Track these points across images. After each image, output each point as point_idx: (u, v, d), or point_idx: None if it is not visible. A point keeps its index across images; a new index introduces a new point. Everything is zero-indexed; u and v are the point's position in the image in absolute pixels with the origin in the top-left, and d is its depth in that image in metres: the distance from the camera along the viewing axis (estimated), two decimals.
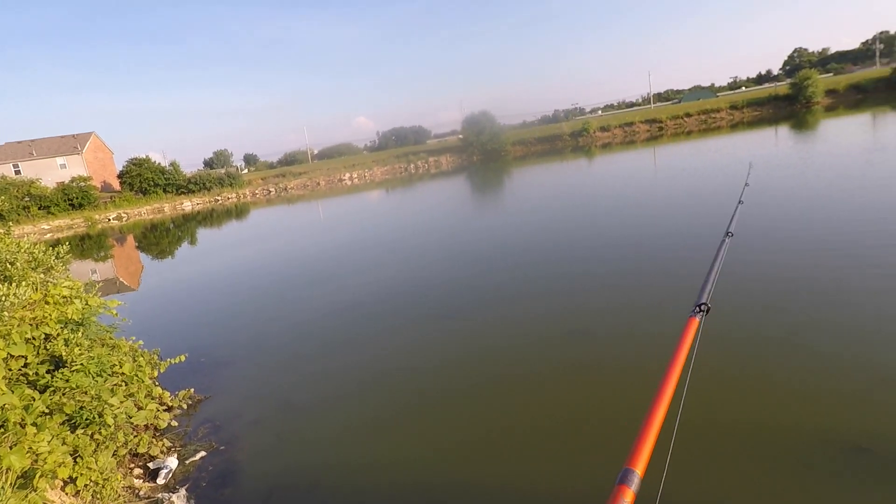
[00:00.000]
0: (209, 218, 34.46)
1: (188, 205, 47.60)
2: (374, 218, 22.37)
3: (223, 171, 64.45)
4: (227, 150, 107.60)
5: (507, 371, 5.39)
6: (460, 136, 65.63)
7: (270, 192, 51.51)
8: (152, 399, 5.02)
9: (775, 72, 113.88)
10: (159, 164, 50.68)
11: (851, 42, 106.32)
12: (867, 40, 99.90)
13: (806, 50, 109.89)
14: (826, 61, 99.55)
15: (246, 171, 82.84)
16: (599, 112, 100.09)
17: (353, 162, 59.67)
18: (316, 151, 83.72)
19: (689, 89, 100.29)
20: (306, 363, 6.47)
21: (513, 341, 6.11)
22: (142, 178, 48.14)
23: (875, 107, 33.91)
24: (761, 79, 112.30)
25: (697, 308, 1.39)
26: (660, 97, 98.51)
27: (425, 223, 17.57)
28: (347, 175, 53.97)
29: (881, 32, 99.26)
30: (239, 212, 36.62)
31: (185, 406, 5.50)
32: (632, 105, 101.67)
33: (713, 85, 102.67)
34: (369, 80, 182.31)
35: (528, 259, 9.86)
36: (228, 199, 49.38)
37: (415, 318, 7.50)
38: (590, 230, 11.46)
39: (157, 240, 25.98)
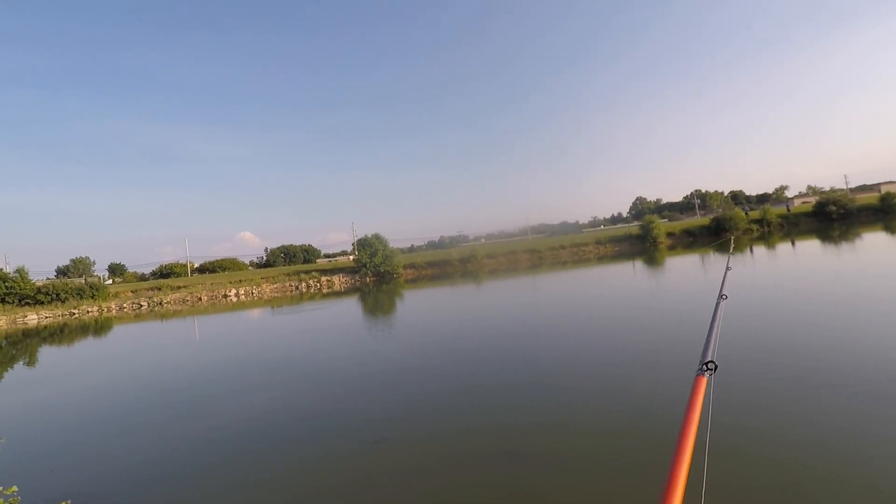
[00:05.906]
0: (58, 334, 29.98)
1: (33, 318, 41.15)
2: (257, 338, 21.08)
3: (83, 280, 57.69)
4: (87, 258, 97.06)
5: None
6: (352, 256, 66.57)
7: (142, 306, 46.67)
8: None
9: (624, 214, 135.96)
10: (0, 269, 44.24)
11: (676, 196, 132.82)
12: (687, 195, 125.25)
13: (645, 199, 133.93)
14: (661, 209, 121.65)
15: (111, 282, 74.58)
16: (482, 240, 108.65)
17: (239, 277, 57.03)
18: (196, 265, 78.78)
19: (559, 224, 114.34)
20: None
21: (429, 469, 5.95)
22: None
23: (702, 248, 41.78)
24: (615, 219, 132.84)
25: (704, 367, 1.39)
26: (533, 229, 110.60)
27: (316, 344, 17.11)
28: (233, 291, 51.14)
29: (696, 190, 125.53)
30: (99, 327, 32.42)
31: None
32: (511, 235, 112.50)
33: (577, 221, 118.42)
34: (257, 197, 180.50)
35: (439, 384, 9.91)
36: (88, 312, 43.66)
37: (292, 451, 7.02)
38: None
39: None
